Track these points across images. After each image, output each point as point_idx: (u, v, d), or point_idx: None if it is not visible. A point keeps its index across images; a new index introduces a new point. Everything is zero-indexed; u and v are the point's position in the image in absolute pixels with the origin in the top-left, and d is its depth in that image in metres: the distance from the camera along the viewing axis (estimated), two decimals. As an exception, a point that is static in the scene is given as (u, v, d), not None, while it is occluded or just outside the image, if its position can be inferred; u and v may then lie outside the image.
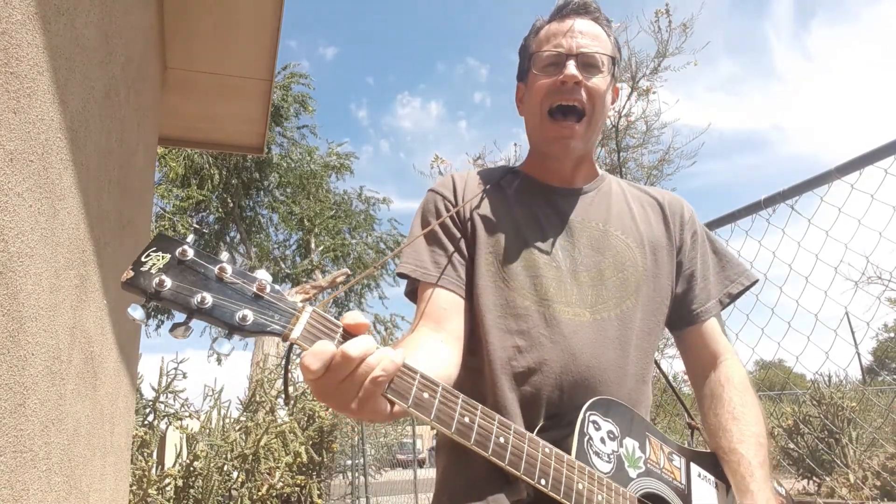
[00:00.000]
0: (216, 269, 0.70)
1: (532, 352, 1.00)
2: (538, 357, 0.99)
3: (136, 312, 0.67)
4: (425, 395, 0.76)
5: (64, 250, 1.32)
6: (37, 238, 1.13)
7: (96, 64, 1.51)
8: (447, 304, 1.03)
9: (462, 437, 0.77)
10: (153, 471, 3.98)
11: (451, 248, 1.08)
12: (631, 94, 10.36)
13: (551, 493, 0.82)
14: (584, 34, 1.09)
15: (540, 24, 1.16)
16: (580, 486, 0.84)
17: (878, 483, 5.19)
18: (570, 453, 0.88)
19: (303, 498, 5.00)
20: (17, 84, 1.02)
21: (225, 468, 4.33)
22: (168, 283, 0.67)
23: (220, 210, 12.86)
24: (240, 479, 4.46)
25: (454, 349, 1.00)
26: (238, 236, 13.43)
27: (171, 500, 3.98)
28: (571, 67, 1.06)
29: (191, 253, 0.69)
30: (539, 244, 1.08)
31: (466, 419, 0.78)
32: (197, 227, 12.37)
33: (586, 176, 1.18)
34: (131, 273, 0.67)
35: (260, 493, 4.42)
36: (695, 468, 1.03)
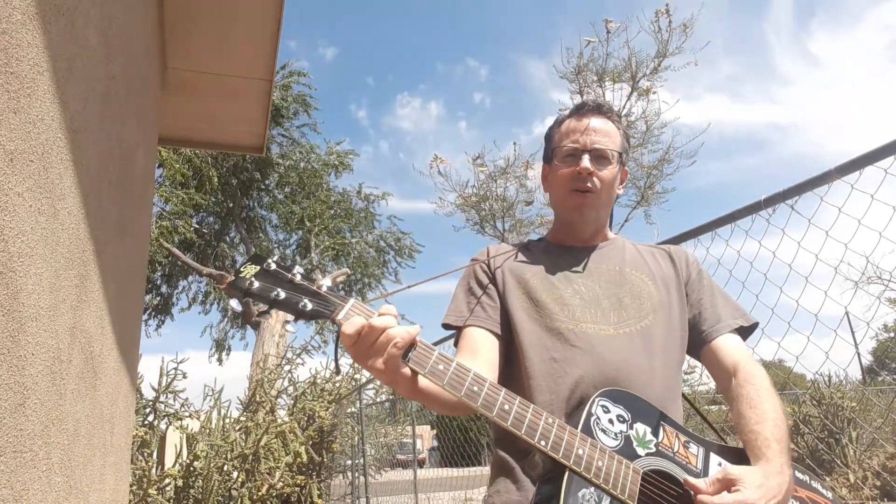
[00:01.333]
0: (289, 275, 0.98)
1: (566, 360, 1.15)
2: (573, 363, 1.14)
3: (235, 304, 1.01)
4: (440, 366, 0.95)
5: (64, 250, 1.32)
6: (37, 238, 1.14)
7: (96, 64, 1.51)
8: (479, 337, 1.24)
9: (470, 400, 0.94)
10: (153, 471, 3.98)
11: (480, 293, 1.30)
12: (631, 94, 10.36)
13: (551, 453, 0.94)
14: (598, 132, 1.31)
15: (562, 118, 1.39)
16: (580, 452, 0.95)
17: (878, 483, 5.19)
18: (577, 427, 0.98)
19: (303, 498, 5.00)
20: (17, 84, 1.02)
21: (225, 468, 4.33)
22: (256, 284, 0.96)
23: (221, 210, 12.86)
24: (240, 479, 4.46)
25: (485, 370, 1.16)
26: (238, 236, 13.42)
27: (171, 500, 3.99)
28: (586, 161, 1.28)
29: (273, 265, 0.99)
30: (563, 283, 1.26)
31: (475, 388, 0.95)
32: (197, 227, 12.37)
33: (602, 239, 1.39)
34: (232, 278, 0.98)
35: (260, 493, 4.42)
36: (715, 458, 1.07)
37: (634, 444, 1.01)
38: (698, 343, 1.27)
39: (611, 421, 1.01)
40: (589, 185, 1.28)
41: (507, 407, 0.95)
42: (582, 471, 0.93)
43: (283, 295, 0.95)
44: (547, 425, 0.95)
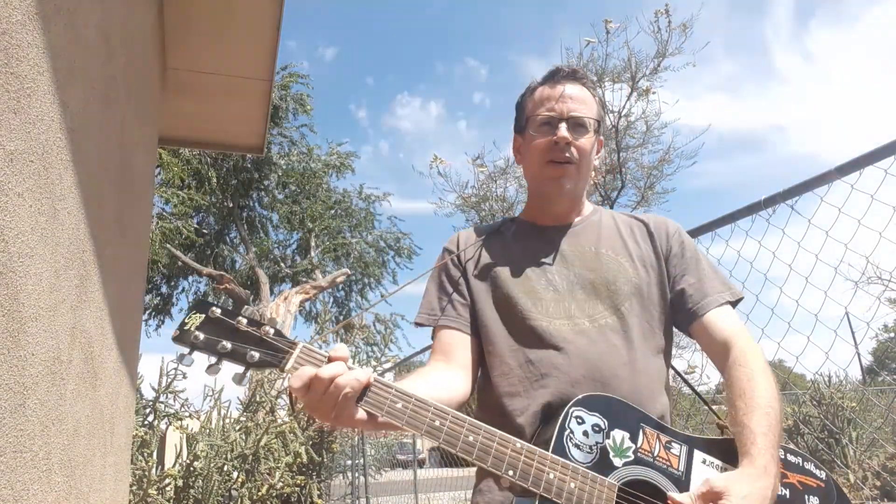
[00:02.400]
0: (234, 322, 0.94)
1: (542, 362, 1.12)
2: (548, 364, 1.11)
3: (186, 361, 0.92)
4: (398, 405, 0.92)
5: (64, 250, 1.32)
6: (37, 238, 1.13)
7: (96, 64, 1.51)
8: (452, 339, 1.22)
9: (431, 437, 0.91)
10: (153, 471, 3.98)
11: (451, 290, 1.26)
12: (631, 94, 10.36)
13: (520, 483, 0.92)
14: (574, 99, 1.24)
15: (534, 86, 1.31)
16: (550, 476, 0.93)
17: (878, 483, 5.19)
18: (549, 445, 0.96)
19: (303, 498, 5.00)
20: (17, 84, 1.02)
21: (225, 468, 4.33)
22: (201, 336, 0.92)
23: (221, 210, 12.86)
24: (240, 480, 4.46)
25: (460, 375, 1.18)
26: (238, 236, 13.42)
27: (171, 501, 3.98)
28: (563, 130, 1.21)
29: (218, 312, 0.94)
30: (537, 273, 1.21)
31: (437, 422, 0.93)
32: (197, 227, 12.37)
33: (577, 214, 1.32)
34: (178, 332, 0.93)
35: (260, 494, 4.42)
36: (700, 455, 1.04)
37: (611, 454, 0.98)
38: (686, 321, 1.21)
39: (585, 433, 0.99)
40: (567, 155, 1.21)
41: (471, 439, 0.92)
42: (553, 496, 0.92)
43: (229, 346, 0.92)
44: (514, 453, 0.93)
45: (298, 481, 4.79)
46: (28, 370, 1.11)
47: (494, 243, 1.30)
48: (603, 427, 1.00)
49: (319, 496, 5.12)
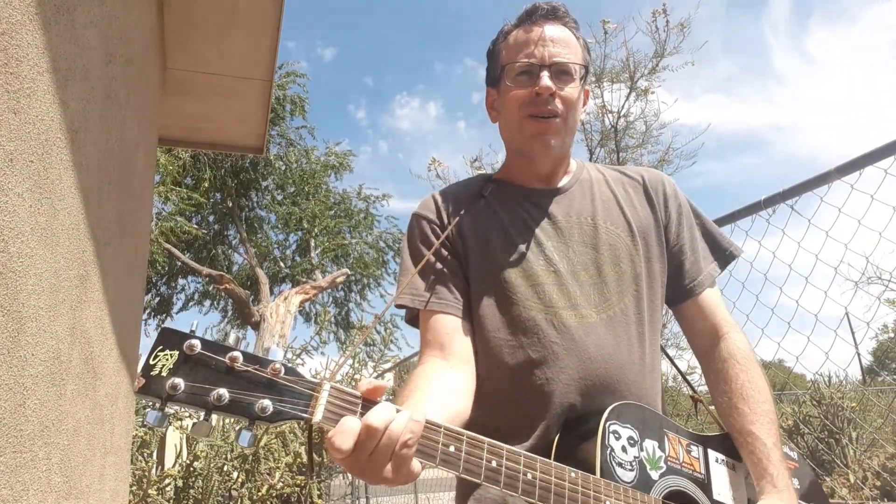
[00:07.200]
0: (227, 360, 0.69)
1: (548, 362, 1.01)
2: (554, 365, 1.00)
3: (152, 417, 0.67)
4: (451, 448, 0.76)
5: (64, 250, 1.32)
6: (37, 238, 1.13)
7: (96, 64, 1.51)
8: (449, 328, 1.05)
9: (491, 482, 0.77)
10: (153, 471, 3.98)
11: (441, 268, 1.09)
12: (629, 94, 10.36)
13: None
14: (556, 42, 1.08)
15: (508, 29, 1.15)
16: None
17: (878, 483, 5.19)
18: (594, 468, 0.89)
19: (303, 498, 5.00)
20: (17, 84, 1.02)
21: (225, 468, 4.33)
22: (181, 384, 0.66)
23: (220, 211, 12.87)
24: (240, 480, 4.46)
25: (466, 373, 1.02)
26: (238, 237, 13.43)
27: (171, 501, 3.98)
28: (546, 79, 1.06)
29: (198, 346, 0.68)
30: (533, 251, 1.08)
31: (494, 464, 0.78)
32: (196, 227, 12.37)
33: (564, 173, 1.19)
34: (143, 380, 0.66)
35: (260, 494, 4.42)
36: (712, 454, 1.04)
37: (648, 467, 0.94)
38: (678, 298, 1.15)
39: (624, 448, 0.93)
40: (550, 107, 1.06)
41: (529, 476, 0.79)
42: None
43: (227, 396, 0.67)
44: (572, 484, 0.82)
45: (298, 481, 4.79)
46: (28, 370, 1.11)
47: (481, 210, 1.14)
48: (637, 439, 0.95)
49: (319, 496, 5.12)
